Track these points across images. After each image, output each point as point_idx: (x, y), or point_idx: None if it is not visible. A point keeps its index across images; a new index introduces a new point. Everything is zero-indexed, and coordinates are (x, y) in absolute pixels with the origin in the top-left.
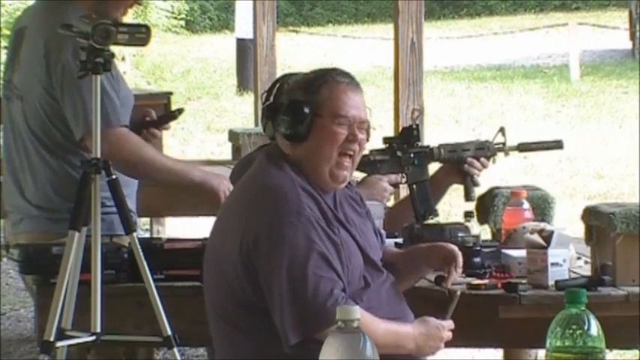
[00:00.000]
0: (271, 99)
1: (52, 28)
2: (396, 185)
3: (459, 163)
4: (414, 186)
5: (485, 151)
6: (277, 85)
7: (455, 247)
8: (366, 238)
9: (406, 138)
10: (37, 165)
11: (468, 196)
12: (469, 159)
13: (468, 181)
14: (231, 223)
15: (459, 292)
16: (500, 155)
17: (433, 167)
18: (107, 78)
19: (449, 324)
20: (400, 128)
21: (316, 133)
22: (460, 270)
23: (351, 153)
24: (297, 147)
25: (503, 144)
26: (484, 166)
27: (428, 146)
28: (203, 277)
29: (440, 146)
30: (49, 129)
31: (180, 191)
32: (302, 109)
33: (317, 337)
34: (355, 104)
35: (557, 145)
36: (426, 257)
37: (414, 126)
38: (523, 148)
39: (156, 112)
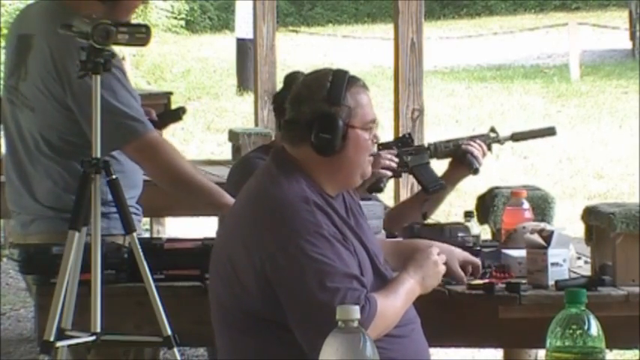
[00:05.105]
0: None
1: (59, 39)
2: (396, 174)
3: (457, 150)
4: (417, 169)
5: (479, 137)
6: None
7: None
8: (374, 243)
9: (401, 143)
10: (49, 167)
11: (471, 168)
12: (465, 141)
13: (469, 157)
14: (241, 236)
15: None
16: (497, 149)
17: (438, 167)
18: (122, 78)
19: (435, 249)
20: (400, 128)
21: (352, 144)
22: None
23: (374, 151)
24: (327, 159)
25: (497, 135)
26: (482, 148)
27: (423, 145)
28: (209, 280)
29: (434, 143)
30: (65, 137)
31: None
32: (335, 122)
33: None
34: (371, 104)
35: (550, 131)
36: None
37: (407, 135)
38: (517, 137)
39: (155, 112)
